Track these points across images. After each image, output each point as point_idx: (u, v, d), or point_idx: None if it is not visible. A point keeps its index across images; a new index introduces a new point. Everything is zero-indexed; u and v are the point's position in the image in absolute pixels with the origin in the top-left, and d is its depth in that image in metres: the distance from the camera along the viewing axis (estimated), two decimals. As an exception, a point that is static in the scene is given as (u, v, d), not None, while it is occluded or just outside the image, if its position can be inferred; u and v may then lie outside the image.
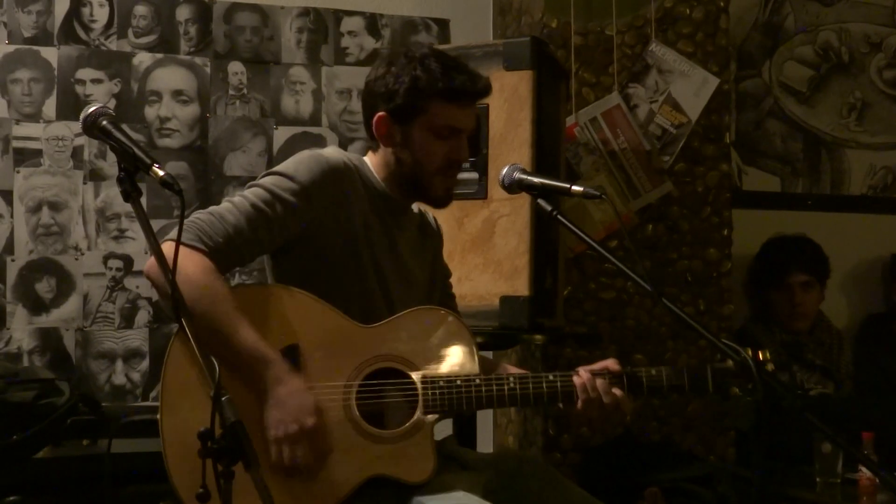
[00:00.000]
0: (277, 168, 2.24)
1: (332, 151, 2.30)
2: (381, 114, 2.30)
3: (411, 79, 2.27)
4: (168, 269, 1.75)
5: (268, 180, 2.21)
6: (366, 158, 2.39)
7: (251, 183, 2.25)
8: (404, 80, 2.27)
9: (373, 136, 2.34)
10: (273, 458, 2.05)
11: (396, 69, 2.29)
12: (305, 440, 2.06)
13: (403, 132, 2.30)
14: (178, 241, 1.81)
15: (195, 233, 2.11)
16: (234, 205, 2.17)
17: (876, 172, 4.45)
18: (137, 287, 3.61)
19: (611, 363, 2.27)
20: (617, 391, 2.22)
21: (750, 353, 2.06)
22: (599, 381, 2.21)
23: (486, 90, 2.34)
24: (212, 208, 2.18)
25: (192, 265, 2.06)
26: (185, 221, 2.11)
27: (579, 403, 2.21)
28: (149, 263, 2.11)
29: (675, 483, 3.15)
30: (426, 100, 2.27)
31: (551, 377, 2.23)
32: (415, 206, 2.48)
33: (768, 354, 2.14)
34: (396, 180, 2.34)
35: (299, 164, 2.23)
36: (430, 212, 2.53)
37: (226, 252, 2.13)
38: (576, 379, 2.22)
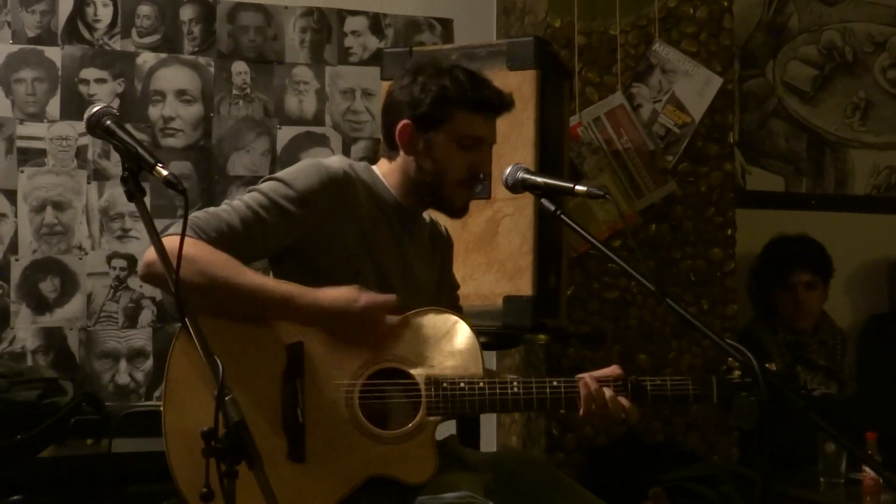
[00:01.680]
0: (278, 174, 2.26)
1: (334, 160, 2.31)
2: (405, 121, 2.32)
3: (439, 88, 2.30)
4: (171, 267, 1.75)
5: (266, 186, 2.22)
6: (375, 167, 2.39)
7: (251, 188, 2.26)
8: (432, 89, 2.30)
9: (392, 144, 2.36)
10: (371, 343, 2.16)
11: (423, 78, 2.32)
12: (369, 317, 2.14)
13: (427, 140, 2.32)
14: (182, 240, 1.82)
15: (191, 228, 2.11)
16: (231, 206, 2.19)
17: (880, 172, 4.45)
18: (141, 287, 3.61)
19: (614, 370, 2.27)
20: (622, 400, 2.22)
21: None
22: (604, 390, 2.21)
23: (511, 104, 2.39)
24: (209, 209, 2.20)
25: (189, 248, 2.06)
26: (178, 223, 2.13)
27: (582, 411, 2.21)
28: (142, 266, 2.12)
29: (679, 483, 3.14)
30: (452, 109, 2.30)
31: (555, 383, 2.23)
32: (426, 215, 2.49)
33: (773, 366, 2.13)
34: (413, 189, 2.36)
35: (299, 171, 2.24)
36: (441, 220, 2.54)
37: (219, 245, 2.13)
38: (581, 386, 2.22)
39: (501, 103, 2.36)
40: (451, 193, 2.35)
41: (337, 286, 2.16)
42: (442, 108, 2.30)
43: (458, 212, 2.40)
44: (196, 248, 2.08)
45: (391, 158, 2.38)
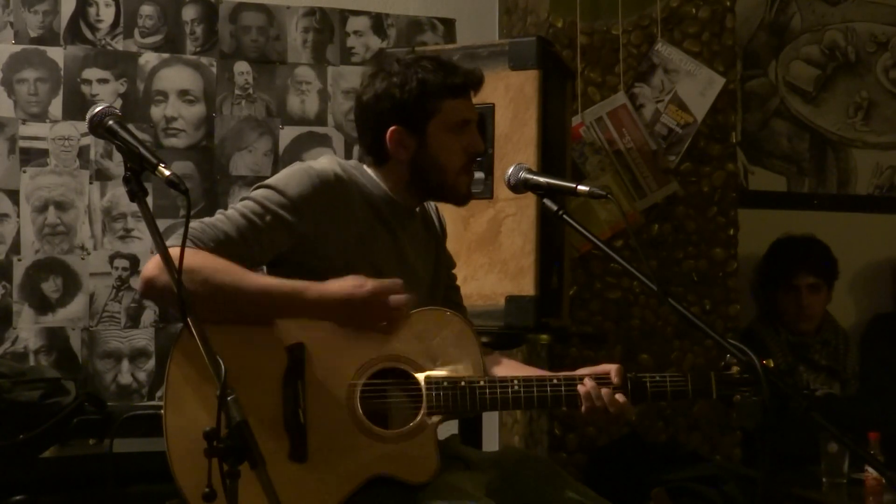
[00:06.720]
0: (269, 181, 2.25)
1: (325, 163, 2.29)
2: (393, 128, 2.30)
3: (419, 83, 2.29)
4: (174, 269, 1.75)
5: (259, 193, 2.22)
6: (366, 166, 2.39)
7: (244, 196, 2.26)
8: (412, 88, 2.29)
9: (381, 153, 2.34)
10: (383, 328, 2.16)
11: (398, 79, 2.30)
12: (377, 300, 2.13)
13: (419, 139, 2.31)
14: (184, 242, 1.82)
15: (189, 240, 2.11)
16: (225, 216, 2.19)
17: (882, 172, 4.45)
18: (143, 286, 3.61)
19: (613, 368, 2.27)
20: (620, 397, 2.22)
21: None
22: (604, 390, 2.21)
23: (483, 78, 2.39)
24: (204, 219, 2.20)
25: (190, 258, 2.06)
26: (177, 232, 2.13)
27: (583, 410, 2.21)
28: (141, 283, 2.12)
29: (681, 483, 3.14)
30: (438, 100, 2.30)
31: (555, 381, 2.23)
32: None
33: (772, 363, 2.14)
34: (411, 187, 2.35)
35: (290, 177, 2.23)
36: (432, 203, 2.54)
37: (217, 255, 2.13)
38: (580, 387, 2.22)
39: (477, 80, 2.37)
40: (455, 182, 2.34)
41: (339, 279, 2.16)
42: (428, 103, 2.29)
43: (463, 199, 2.39)
44: (197, 258, 2.08)
45: (380, 166, 2.37)
